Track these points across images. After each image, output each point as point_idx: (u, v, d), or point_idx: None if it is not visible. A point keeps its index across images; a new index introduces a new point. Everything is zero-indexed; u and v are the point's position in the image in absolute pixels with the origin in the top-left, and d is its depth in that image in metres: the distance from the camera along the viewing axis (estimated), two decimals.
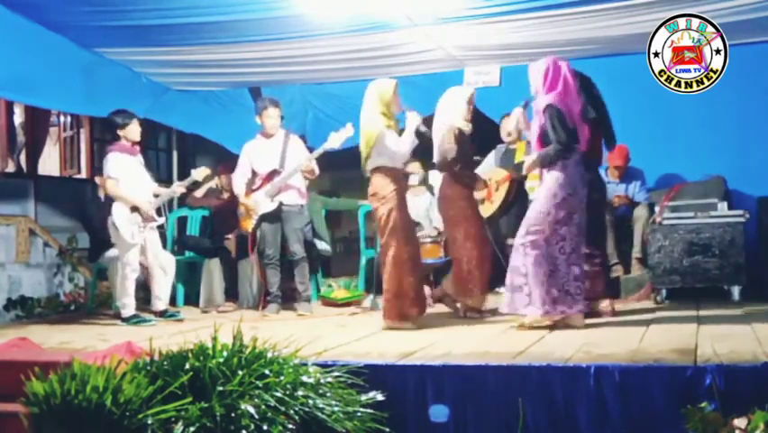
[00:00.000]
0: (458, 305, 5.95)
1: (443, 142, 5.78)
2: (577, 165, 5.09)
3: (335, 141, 6.36)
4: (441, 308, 6.14)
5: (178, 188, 6.68)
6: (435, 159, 5.89)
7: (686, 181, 6.86)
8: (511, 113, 5.79)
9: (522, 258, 5.08)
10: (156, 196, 6.39)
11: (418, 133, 5.53)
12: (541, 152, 5.09)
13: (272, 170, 6.47)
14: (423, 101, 6.09)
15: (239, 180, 6.62)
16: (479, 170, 6.76)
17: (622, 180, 7.04)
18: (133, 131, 6.23)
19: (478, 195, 6.91)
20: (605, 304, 5.62)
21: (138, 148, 6.34)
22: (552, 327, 5.04)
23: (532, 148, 5.25)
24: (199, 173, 6.61)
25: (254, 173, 6.56)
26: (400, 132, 5.54)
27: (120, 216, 6.09)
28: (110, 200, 6.17)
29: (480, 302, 5.89)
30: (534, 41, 6.44)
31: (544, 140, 5.08)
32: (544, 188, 5.13)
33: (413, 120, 5.49)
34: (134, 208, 6.13)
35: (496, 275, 6.28)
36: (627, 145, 6.95)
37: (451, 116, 5.83)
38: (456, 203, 5.91)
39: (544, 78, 5.16)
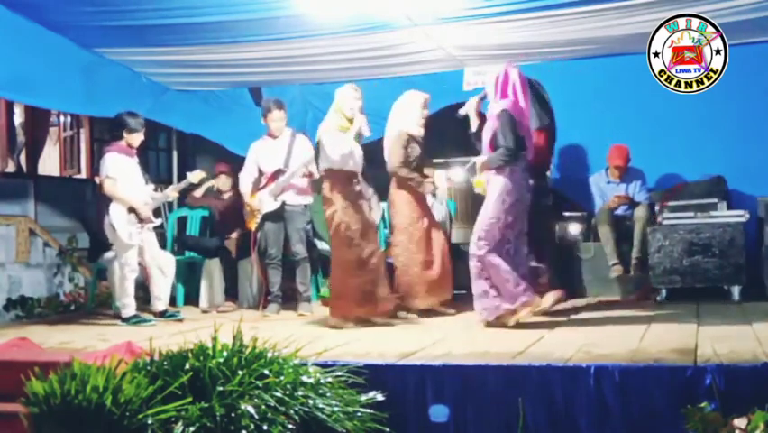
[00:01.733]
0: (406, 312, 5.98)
1: (390, 147, 6.00)
2: (523, 171, 5.27)
3: None
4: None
5: (172, 192, 6.69)
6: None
7: (686, 181, 6.86)
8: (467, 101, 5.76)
9: (476, 265, 5.20)
10: (152, 199, 6.39)
11: (360, 137, 5.63)
12: (491, 155, 5.25)
13: (277, 169, 6.47)
14: None
15: (246, 180, 6.63)
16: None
17: (622, 180, 7.04)
18: (138, 138, 6.29)
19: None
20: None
21: (135, 150, 6.35)
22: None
23: (484, 150, 5.38)
24: (195, 176, 6.65)
25: (261, 172, 6.58)
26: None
27: (117, 217, 6.08)
28: (107, 200, 6.17)
29: (428, 303, 6.00)
30: (534, 41, 6.43)
31: (495, 144, 5.24)
32: (492, 193, 5.25)
33: (356, 123, 5.57)
34: (131, 209, 6.13)
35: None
36: (627, 145, 6.96)
37: (402, 121, 6.04)
38: (402, 209, 6.07)
39: (495, 85, 5.37)
